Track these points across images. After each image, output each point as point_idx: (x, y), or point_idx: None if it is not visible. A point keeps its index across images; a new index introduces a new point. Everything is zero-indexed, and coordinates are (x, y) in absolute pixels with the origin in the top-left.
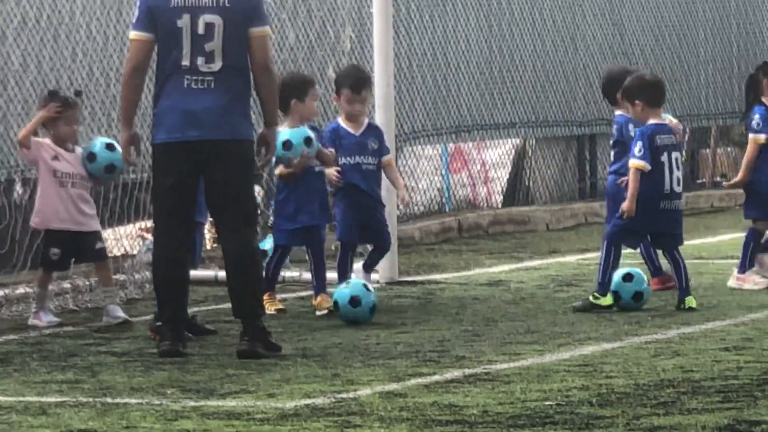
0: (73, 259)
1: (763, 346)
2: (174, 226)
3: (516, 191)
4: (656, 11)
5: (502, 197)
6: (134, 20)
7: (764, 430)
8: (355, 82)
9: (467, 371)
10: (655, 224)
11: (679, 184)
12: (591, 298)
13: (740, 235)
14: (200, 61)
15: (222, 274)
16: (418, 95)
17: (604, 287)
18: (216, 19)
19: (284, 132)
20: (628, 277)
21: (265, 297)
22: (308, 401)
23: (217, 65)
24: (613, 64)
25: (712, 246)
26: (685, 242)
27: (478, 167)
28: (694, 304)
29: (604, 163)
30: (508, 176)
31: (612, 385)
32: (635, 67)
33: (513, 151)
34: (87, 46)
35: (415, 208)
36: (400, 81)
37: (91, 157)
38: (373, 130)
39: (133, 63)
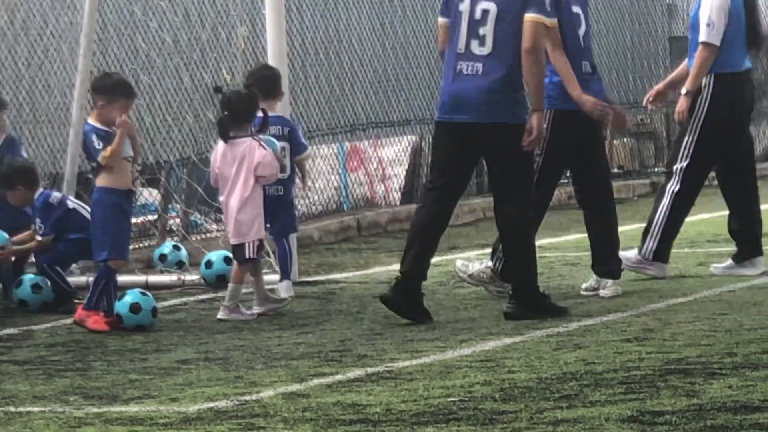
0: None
1: (664, 336)
2: (434, 196)
3: (414, 188)
4: None
5: (400, 195)
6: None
7: (667, 421)
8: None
9: (369, 370)
10: None
11: None
12: None
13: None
14: (474, 44)
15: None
16: (312, 94)
17: None
18: (491, 6)
19: None
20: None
21: None
22: (211, 404)
23: (487, 49)
24: None
25: None
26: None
27: (375, 165)
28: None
29: None
30: (405, 173)
31: (514, 379)
32: None
33: (409, 148)
34: None
35: (313, 207)
36: (293, 81)
37: None
38: None
39: (439, 46)
